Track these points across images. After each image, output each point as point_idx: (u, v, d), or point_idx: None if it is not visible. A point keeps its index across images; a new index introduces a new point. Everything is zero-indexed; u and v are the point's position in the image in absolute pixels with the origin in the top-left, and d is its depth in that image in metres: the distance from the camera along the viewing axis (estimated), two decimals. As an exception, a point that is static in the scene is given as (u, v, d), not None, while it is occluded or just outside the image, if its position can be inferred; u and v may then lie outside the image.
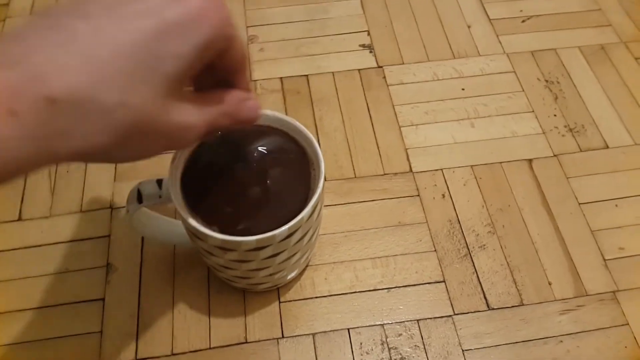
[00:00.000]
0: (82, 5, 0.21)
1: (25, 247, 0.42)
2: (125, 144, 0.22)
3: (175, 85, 0.22)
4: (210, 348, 0.37)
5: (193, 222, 0.31)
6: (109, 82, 0.20)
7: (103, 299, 0.39)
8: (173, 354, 0.37)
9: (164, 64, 0.21)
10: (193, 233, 0.32)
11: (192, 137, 0.25)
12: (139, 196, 0.34)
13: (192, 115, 0.24)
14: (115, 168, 0.46)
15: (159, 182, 0.34)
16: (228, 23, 0.23)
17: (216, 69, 0.26)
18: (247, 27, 0.56)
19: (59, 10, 0.21)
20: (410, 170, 0.46)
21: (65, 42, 0.20)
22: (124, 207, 0.43)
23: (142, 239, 0.42)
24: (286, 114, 0.49)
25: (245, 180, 0.34)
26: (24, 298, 0.39)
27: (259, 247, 0.32)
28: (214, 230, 0.31)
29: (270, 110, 0.36)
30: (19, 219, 0.43)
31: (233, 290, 0.39)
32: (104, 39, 0.20)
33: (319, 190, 0.32)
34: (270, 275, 0.36)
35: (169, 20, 0.21)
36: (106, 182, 0.45)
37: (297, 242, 0.33)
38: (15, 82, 0.19)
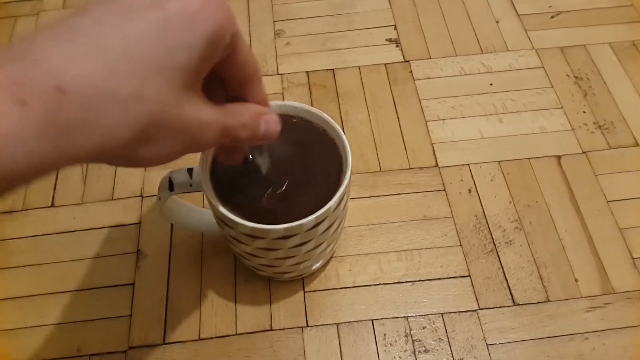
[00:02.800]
0: (81, 8, 0.20)
1: (58, 233, 0.43)
2: (147, 140, 0.21)
3: (188, 78, 0.22)
4: (236, 334, 0.38)
5: (223, 210, 0.32)
6: (122, 72, 0.19)
7: (133, 284, 0.40)
8: (200, 339, 0.38)
9: (175, 55, 0.21)
10: (222, 221, 0.33)
11: (209, 138, 0.24)
12: (170, 184, 0.34)
13: (208, 114, 0.23)
14: (145, 158, 0.47)
15: (190, 171, 0.34)
16: (231, 19, 0.23)
17: (228, 81, 0.26)
18: (274, 21, 0.56)
19: (59, 18, 0.20)
20: (437, 164, 0.46)
21: (70, 35, 0.19)
22: (154, 195, 0.44)
23: (172, 227, 0.43)
24: (313, 107, 0.50)
25: (274, 169, 0.34)
26: (56, 282, 0.41)
27: (286, 236, 0.32)
28: (243, 218, 0.32)
29: (298, 102, 0.36)
30: (52, 205, 0.45)
31: (259, 278, 0.40)
32: (110, 30, 0.20)
33: (346, 181, 0.33)
34: (296, 264, 0.36)
35: (172, 11, 0.21)
36: (137, 171, 0.46)
37: (324, 232, 0.34)
38: (21, 72, 0.18)
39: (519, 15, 0.56)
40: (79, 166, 0.47)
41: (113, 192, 0.45)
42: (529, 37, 0.54)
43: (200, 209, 0.40)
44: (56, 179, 0.46)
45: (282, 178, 0.34)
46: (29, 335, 0.38)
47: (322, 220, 0.33)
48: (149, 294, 0.40)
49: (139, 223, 0.43)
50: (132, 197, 0.44)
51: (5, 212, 0.44)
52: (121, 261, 0.41)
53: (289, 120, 0.36)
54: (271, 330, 0.38)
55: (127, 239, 0.42)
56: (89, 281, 0.41)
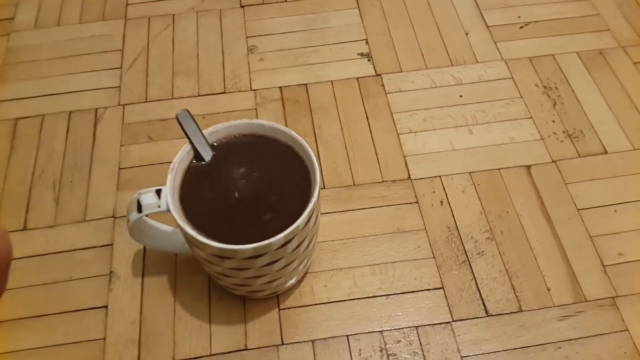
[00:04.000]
0: None
1: (30, 256, 0.43)
2: None
3: None
4: (210, 355, 0.38)
5: (191, 230, 0.32)
6: None
7: (106, 307, 0.40)
8: (174, 361, 0.38)
9: None
10: (191, 242, 0.33)
11: None
12: (138, 206, 0.34)
13: None
14: (118, 178, 0.47)
15: (158, 191, 0.34)
16: None
17: None
18: (247, 37, 0.56)
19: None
20: (409, 177, 0.46)
21: None
22: (126, 216, 0.44)
23: (144, 247, 0.42)
24: (285, 122, 0.50)
25: (243, 188, 0.34)
26: (28, 306, 0.40)
27: (255, 255, 0.32)
28: (211, 239, 0.32)
29: (267, 121, 0.37)
30: (24, 228, 0.44)
31: (233, 297, 0.40)
32: None
33: (314, 199, 0.33)
34: (269, 282, 0.36)
35: None
36: (109, 192, 0.46)
37: (294, 249, 0.34)
38: None
39: (488, 26, 0.56)
40: (51, 187, 0.46)
41: (85, 214, 0.45)
42: (498, 48, 0.54)
43: (172, 229, 0.40)
44: (28, 201, 0.46)
45: (253, 196, 0.34)
46: (0, 362, 0.38)
47: (291, 239, 0.33)
48: (123, 316, 0.40)
49: (112, 244, 0.43)
50: (105, 218, 0.44)
51: (-24, 237, 0.44)
52: (94, 284, 0.41)
53: (258, 139, 0.37)
54: (246, 349, 0.38)
55: (99, 261, 0.42)
56: (62, 305, 0.40)
